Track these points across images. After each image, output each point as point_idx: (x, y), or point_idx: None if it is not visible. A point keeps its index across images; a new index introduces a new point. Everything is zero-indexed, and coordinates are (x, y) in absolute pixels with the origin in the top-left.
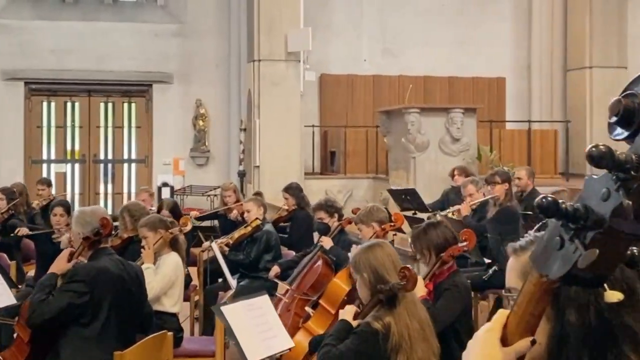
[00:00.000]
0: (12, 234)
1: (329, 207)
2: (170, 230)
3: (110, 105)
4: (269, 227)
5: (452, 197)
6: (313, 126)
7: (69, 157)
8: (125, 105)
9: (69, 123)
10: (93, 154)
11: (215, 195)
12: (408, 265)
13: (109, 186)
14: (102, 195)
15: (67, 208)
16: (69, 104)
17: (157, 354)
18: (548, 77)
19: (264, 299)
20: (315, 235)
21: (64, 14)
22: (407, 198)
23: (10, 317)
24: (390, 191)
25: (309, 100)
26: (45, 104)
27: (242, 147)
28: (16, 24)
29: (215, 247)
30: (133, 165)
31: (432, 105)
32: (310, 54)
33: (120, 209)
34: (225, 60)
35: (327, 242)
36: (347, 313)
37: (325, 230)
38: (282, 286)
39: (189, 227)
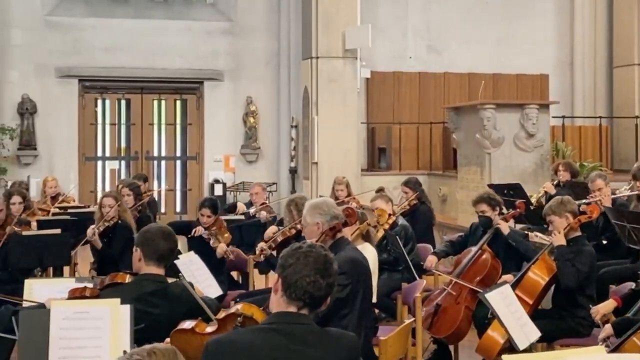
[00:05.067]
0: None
1: (491, 199)
2: (367, 222)
3: (161, 102)
4: (402, 221)
5: (559, 191)
6: (365, 123)
7: (122, 153)
8: (177, 102)
9: (122, 120)
10: (145, 150)
11: (270, 191)
12: None
13: (161, 183)
14: (155, 193)
15: (215, 208)
16: (121, 101)
17: (406, 340)
18: (591, 74)
19: (506, 288)
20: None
21: (117, 11)
22: (510, 193)
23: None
24: (492, 186)
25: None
26: (98, 101)
27: (293, 143)
28: (69, 21)
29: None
30: (184, 162)
31: (507, 102)
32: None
33: (287, 201)
34: (275, 58)
35: (504, 227)
36: None
37: (487, 223)
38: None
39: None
